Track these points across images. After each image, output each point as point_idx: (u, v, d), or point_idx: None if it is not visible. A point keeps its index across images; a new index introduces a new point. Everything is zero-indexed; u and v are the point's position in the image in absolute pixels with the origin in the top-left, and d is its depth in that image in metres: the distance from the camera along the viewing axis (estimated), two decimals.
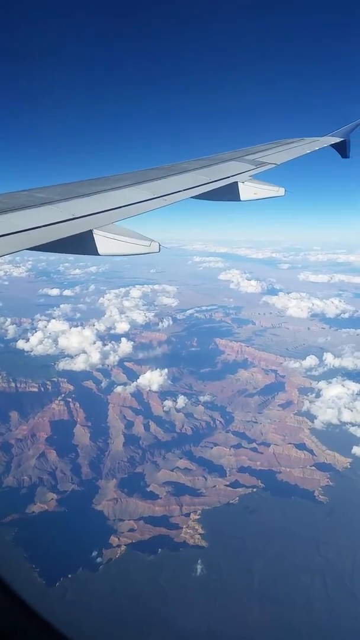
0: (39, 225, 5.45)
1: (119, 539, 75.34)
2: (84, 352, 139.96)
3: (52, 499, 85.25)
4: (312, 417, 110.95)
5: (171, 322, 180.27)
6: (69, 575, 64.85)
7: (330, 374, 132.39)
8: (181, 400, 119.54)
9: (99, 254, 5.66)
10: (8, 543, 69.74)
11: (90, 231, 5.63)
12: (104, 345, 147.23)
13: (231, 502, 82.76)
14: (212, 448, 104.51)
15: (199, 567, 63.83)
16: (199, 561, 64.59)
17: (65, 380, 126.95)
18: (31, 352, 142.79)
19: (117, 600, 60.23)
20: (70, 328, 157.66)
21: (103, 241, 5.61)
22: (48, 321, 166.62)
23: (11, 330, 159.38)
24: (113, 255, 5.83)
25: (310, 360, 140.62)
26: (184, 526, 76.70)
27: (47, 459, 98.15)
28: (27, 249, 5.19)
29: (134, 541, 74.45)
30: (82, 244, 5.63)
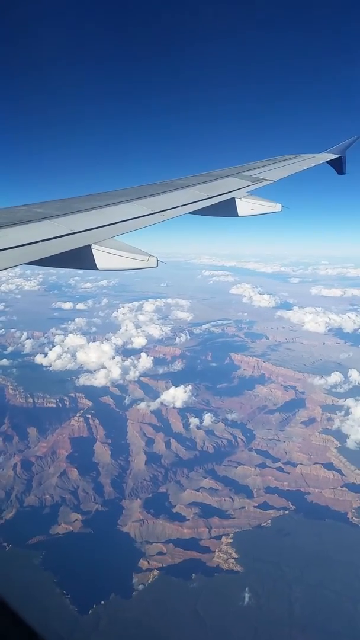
0: (38, 239, 5.47)
1: (148, 562, 72.94)
2: (104, 367, 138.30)
3: (77, 519, 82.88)
4: (342, 436, 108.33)
5: (188, 337, 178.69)
6: (102, 602, 62.36)
7: (357, 392, 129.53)
8: (207, 418, 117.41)
9: (97, 269, 5.68)
10: (37, 567, 67.30)
11: (89, 246, 5.63)
12: (124, 360, 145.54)
13: (263, 524, 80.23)
14: (236, 467, 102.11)
15: (246, 595, 61.08)
16: (247, 589, 61.81)
17: (83, 395, 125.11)
18: (50, 367, 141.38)
19: (154, 630, 57.68)
20: (88, 342, 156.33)
21: (101, 256, 5.63)
22: (64, 335, 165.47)
23: (28, 344, 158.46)
24: (111, 270, 5.83)
25: (335, 377, 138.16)
26: (216, 550, 74.17)
27: (69, 478, 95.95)
28: (26, 264, 5.11)
29: (164, 565, 72.04)
30: (80, 258, 5.63)
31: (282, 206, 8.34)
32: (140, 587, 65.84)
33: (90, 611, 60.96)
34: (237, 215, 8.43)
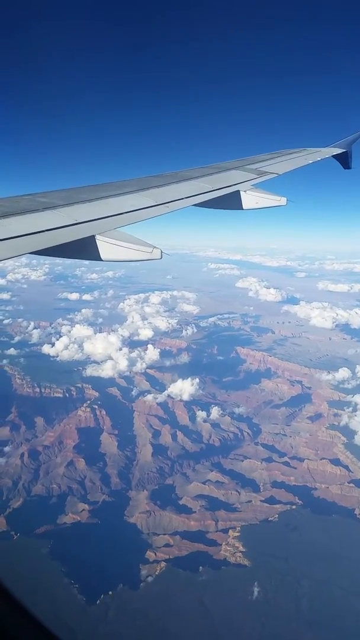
0: (42, 229, 5.45)
1: (155, 554, 73.18)
2: (110, 358, 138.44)
3: (84, 509, 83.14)
4: (350, 432, 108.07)
5: (195, 330, 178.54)
6: (110, 592, 62.59)
7: None
8: (214, 411, 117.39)
9: (101, 259, 5.65)
10: (45, 556, 67.54)
11: (93, 236, 5.62)
12: (130, 352, 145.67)
13: (270, 519, 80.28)
14: (242, 461, 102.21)
15: (255, 589, 61.12)
16: (255, 583, 61.88)
17: (90, 386, 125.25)
18: (57, 357, 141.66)
19: (162, 621, 57.86)
20: (95, 333, 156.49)
21: (105, 247, 5.62)
22: (71, 326, 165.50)
23: (35, 334, 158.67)
24: (115, 261, 5.77)
25: (343, 373, 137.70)
26: (223, 543, 74.33)
27: (76, 468, 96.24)
28: (29, 253, 5.09)
29: (171, 557, 72.24)
30: (84, 249, 5.63)
31: (288, 200, 8.36)
32: (149, 578, 66.07)
33: (99, 601, 61.24)
34: (242, 209, 8.45)
